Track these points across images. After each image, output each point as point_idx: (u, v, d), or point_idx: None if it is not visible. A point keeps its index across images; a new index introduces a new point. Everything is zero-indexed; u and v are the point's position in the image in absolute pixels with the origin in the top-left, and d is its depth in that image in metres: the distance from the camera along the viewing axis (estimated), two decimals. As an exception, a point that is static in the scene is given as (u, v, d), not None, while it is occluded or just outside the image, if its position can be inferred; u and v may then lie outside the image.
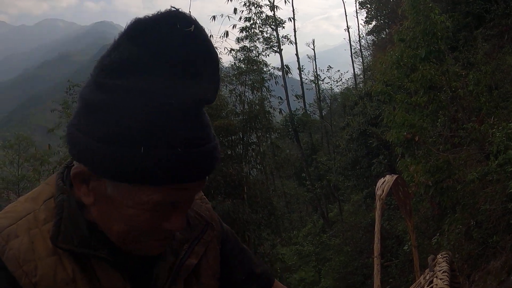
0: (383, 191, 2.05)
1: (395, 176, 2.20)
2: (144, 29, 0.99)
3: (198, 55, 1.03)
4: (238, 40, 22.72)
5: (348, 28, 40.31)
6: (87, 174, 1.05)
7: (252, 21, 23.63)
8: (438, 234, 10.03)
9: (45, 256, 1.07)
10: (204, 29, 1.04)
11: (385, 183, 2.10)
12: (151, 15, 1.00)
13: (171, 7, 1.00)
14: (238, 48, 21.40)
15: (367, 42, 41.85)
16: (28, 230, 1.09)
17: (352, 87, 37.97)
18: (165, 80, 0.99)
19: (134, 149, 0.96)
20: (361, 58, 41.39)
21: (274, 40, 27.20)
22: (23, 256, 1.06)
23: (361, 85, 34.55)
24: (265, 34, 25.13)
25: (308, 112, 34.45)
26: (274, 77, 22.78)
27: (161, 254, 1.20)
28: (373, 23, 36.56)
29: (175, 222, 1.09)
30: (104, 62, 1.02)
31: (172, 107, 0.97)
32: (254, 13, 23.75)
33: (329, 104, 37.06)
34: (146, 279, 1.20)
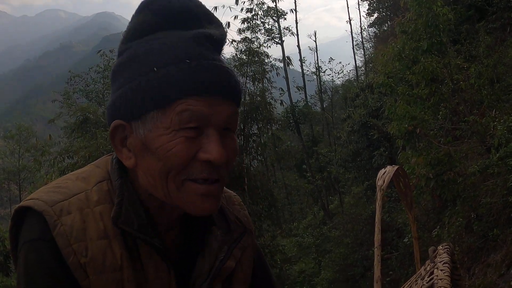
0: (384, 182, 2.04)
1: (396, 167, 2.20)
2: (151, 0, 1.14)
3: (200, 12, 1.16)
4: (240, 31, 22.65)
5: (350, 20, 40.19)
6: (122, 128, 1.12)
7: (253, 12, 23.57)
8: (438, 226, 10.05)
9: (96, 238, 1.08)
10: None
11: (386, 173, 2.09)
12: None
13: None
14: (240, 39, 21.33)
15: (369, 34, 41.91)
16: (81, 209, 1.10)
17: (354, 79, 37.90)
18: (177, 31, 1.12)
19: (148, 74, 1.06)
20: (362, 50, 41.40)
21: (276, 31, 27.17)
22: (75, 234, 1.06)
23: (362, 77, 34.52)
24: (266, 26, 25.13)
25: (309, 104, 34.39)
26: (276, 68, 22.71)
27: (203, 253, 1.23)
28: (375, 15, 36.61)
29: (210, 150, 1.08)
30: (123, 36, 1.16)
31: (183, 38, 1.10)
32: (256, 4, 23.67)
33: (330, 96, 36.92)
34: (188, 275, 1.22)
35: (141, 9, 1.15)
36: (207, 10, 1.18)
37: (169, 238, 1.21)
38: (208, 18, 1.17)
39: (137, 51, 1.10)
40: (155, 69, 1.05)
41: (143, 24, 1.13)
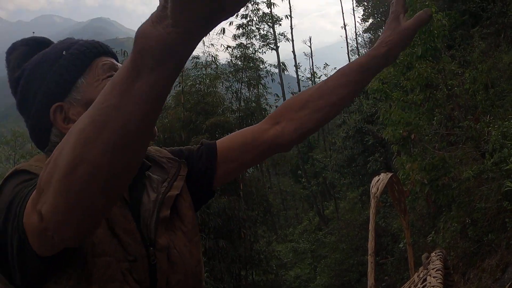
0: (377, 189, 2.05)
1: (389, 174, 2.20)
2: (21, 41, 1.55)
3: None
4: (235, 37, 22.69)
5: (345, 25, 40.43)
6: (60, 109, 1.38)
7: (248, 18, 23.59)
8: (433, 232, 10.05)
9: None
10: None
11: (379, 181, 2.10)
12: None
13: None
14: (235, 45, 21.39)
15: (364, 40, 41.90)
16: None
17: (349, 85, 37.85)
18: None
19: (62, 57, 1.39)
20: (357, 56, 41.38)
21: (271, 37, 27.24)
22: None
23: (357, 82, 34.51)
24: (261, 31, 25.14)
25: (305, 110, 34.35)
26: (271, 74, 22.79)
27: (146, 190, 1.43)
28: (370, 20, 36.63)
29: None
30: (11, 65, 1.50)
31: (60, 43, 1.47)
32: (251, 10, 23.68)
33: (325, 102, 36.96)
34: (135, 207, 1.40)
35: (9, 51, 1.54)
36: None
37: None
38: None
39: (33, 61, 1.43)
40: (64, 52, 1.39)
41: (20, 54, 1.49)
